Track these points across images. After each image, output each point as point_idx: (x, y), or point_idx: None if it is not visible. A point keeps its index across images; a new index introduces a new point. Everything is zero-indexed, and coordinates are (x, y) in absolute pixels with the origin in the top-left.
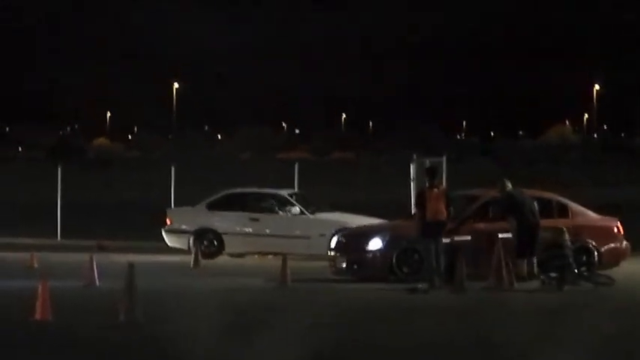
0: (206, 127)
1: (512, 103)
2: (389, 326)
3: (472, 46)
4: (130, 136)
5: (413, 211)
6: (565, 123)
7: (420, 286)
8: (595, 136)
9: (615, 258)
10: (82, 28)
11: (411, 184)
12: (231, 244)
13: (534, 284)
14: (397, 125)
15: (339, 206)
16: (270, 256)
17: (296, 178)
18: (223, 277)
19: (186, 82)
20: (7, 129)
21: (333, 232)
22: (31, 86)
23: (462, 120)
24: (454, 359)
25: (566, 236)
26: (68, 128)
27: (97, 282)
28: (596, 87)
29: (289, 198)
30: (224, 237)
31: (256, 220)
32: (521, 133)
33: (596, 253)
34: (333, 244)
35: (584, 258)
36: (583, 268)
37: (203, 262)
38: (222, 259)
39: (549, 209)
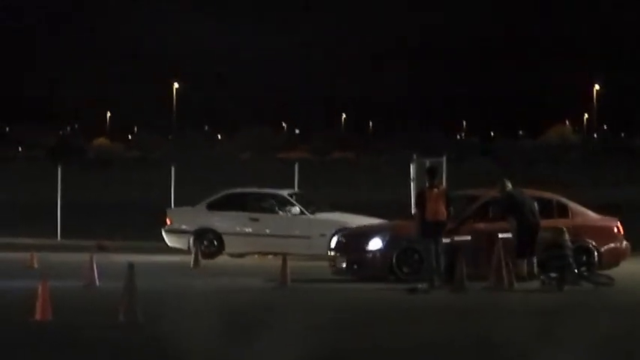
0: (206, 127)
1: (512, 103)
2: (389, 326)
3: (472, 46)
4: (130, 136)
5: (413, 211)
6: (565, 123)
7: (420, 286)
8: (595, 136)
9: (615, 258)
10: (82, 28)
11: (411, 184)
12: (231, 244)
13: (534, 284)
14: (397, 125)
15: (339, 206)
16: (270, 256)
17: (296, 178)
18: (223, 277)
19: (186, 82)
20: (7, 129)
21: (333, 232)
22: (31, 86)
23: (462, 120)
24: (454, 359)
25: (566, 236)
26: (68, 128)
27: (97, 282)
28: (596, 87)
29: (289, 198)
30: (224, 237)
31: (256, 220)
32: (521, 133)
33: (596, 253)
34: (333, 244)
35: (584, 258)
36: (583, 268)
37: (203, 262)
38: (222, 259)
39: (549, 209)
